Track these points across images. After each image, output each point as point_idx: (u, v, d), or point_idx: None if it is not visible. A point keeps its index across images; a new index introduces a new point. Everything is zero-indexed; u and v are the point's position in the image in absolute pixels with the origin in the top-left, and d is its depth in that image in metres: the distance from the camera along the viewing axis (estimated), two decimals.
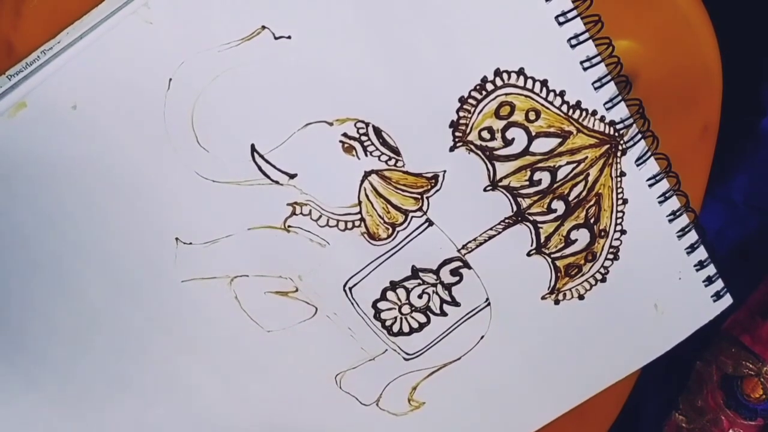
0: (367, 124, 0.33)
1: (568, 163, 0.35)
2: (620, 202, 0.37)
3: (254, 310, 0.35)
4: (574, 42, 0.33)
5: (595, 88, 0.34)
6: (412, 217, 0.35)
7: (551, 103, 0.34)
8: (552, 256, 0.38)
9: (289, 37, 0.30)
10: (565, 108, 0.34)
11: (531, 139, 0.35)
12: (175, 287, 0.33)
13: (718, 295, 0.41)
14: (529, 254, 0.37)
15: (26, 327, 0.33)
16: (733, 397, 0.42)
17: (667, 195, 0.38)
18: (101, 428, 0.35)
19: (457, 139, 0.34)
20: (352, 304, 0.36)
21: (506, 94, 0.33)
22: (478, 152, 0.34)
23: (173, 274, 0.33)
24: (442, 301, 0.37)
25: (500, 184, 0.35)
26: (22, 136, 0.29)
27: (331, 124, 0.32)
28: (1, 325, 0.32)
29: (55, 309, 0.32)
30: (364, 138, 0.33)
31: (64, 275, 0.32)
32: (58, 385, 0.34)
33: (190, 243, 0.33)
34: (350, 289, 0.36)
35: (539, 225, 0.37)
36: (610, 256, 0.39)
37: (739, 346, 0.42)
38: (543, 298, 0.39)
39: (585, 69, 0.34)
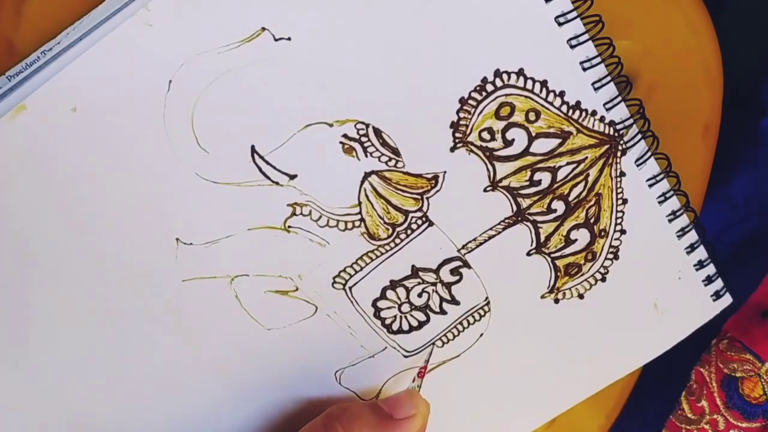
0: (367, 125, 0.33)
1: (568, 163, 0.35)
2: (620, 202, 0.37)
3: (255, 308, 0.35)
4: (573, 42, 0.33)
5: (595, 89, 0.34)
6: (412, 217, 0.35)
7: (551, 103, 0.34)
8: (552, 255, 0.38)
9: (288, 39, 0.30)
10: (564, 108, 0.34)
11: (531, 139, 0.35)
12: (176, 286, 0.33)
13: (717, 295, 0.41)
14: (529, 254, 0.37)
15: (28, 328, 0.33)
16: (734, 398, 0.42)
17: (667, 195, 0.38)
18: (103, 424, 0.35)
19: (457, 140, 0.34)
20: (352, 302, 0.36)
21: (506, 95, 0.33)
22: (479, 153, 0.34)
23: (174, 274, 0.33)
24: (442, 299, 0.37)
25: (500, 184, 0.35)
26: (23, 139, 0.29)
27: (331, 125, 0.32)
28: (3, 326, 0.33)
29: (55, 310, 0.33)
30: (364, 139, 0.33)
31: (65, 276, 0.32)
32: (60, 384, 0.34)
33: (191, 243, 0.33)
34: (350, 288, 0.36)
35: (539, 225, 0.37)
36: (610, 256, 0.39)
37: (739, 347, 0.42)
38: (543, 297, 0.39)
39: (585, 69, 0.34)
